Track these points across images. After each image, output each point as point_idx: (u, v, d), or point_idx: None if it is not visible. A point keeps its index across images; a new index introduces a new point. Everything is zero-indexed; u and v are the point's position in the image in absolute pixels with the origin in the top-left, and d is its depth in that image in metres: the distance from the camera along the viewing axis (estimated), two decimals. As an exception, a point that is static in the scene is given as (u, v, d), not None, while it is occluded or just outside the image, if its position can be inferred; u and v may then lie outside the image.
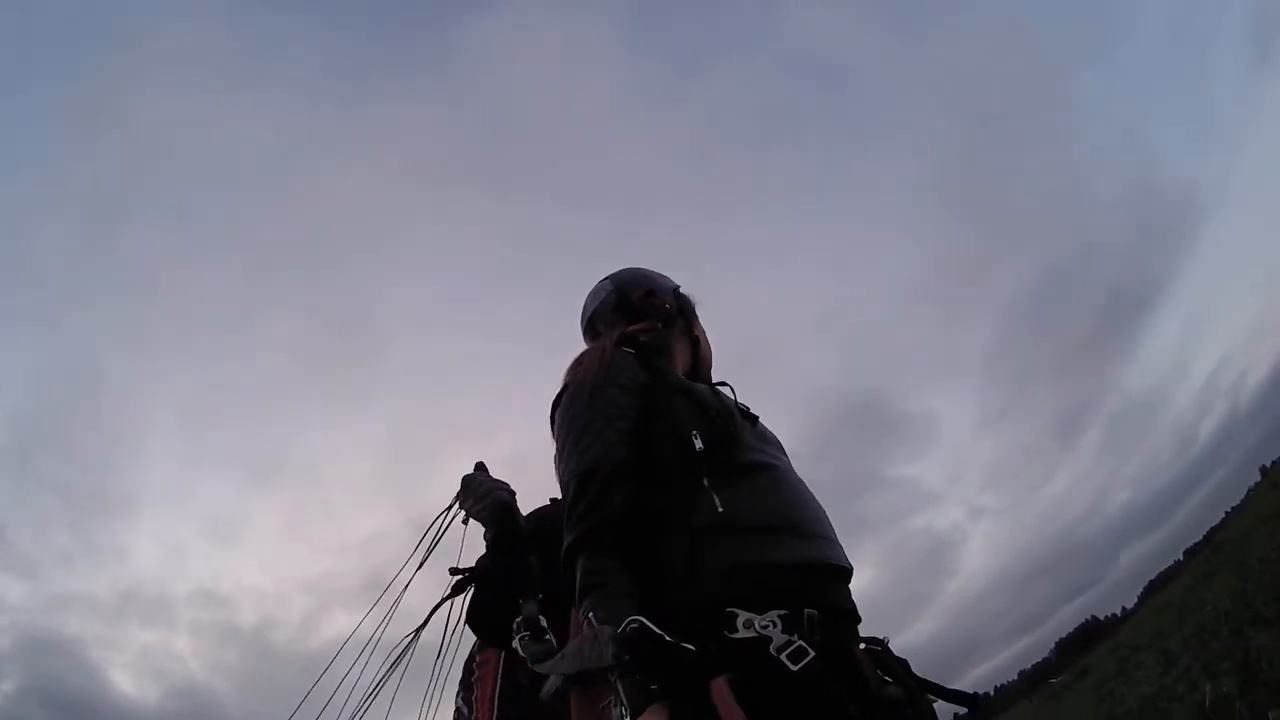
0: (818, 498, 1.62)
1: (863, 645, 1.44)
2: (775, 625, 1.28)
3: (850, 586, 1.54)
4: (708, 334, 2.08)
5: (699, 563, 1.37)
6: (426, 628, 2.13)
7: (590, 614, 1.33)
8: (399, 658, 2.07)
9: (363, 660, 2.05)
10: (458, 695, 2.35)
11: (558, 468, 1.62)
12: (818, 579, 1.42)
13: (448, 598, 2.10)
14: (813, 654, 1.23)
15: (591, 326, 2.06)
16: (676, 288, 2.08)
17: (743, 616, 1.29)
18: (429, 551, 2.11)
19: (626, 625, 1.25)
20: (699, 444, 1.49)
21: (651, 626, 1.24)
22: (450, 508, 2.13)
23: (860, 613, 1.50)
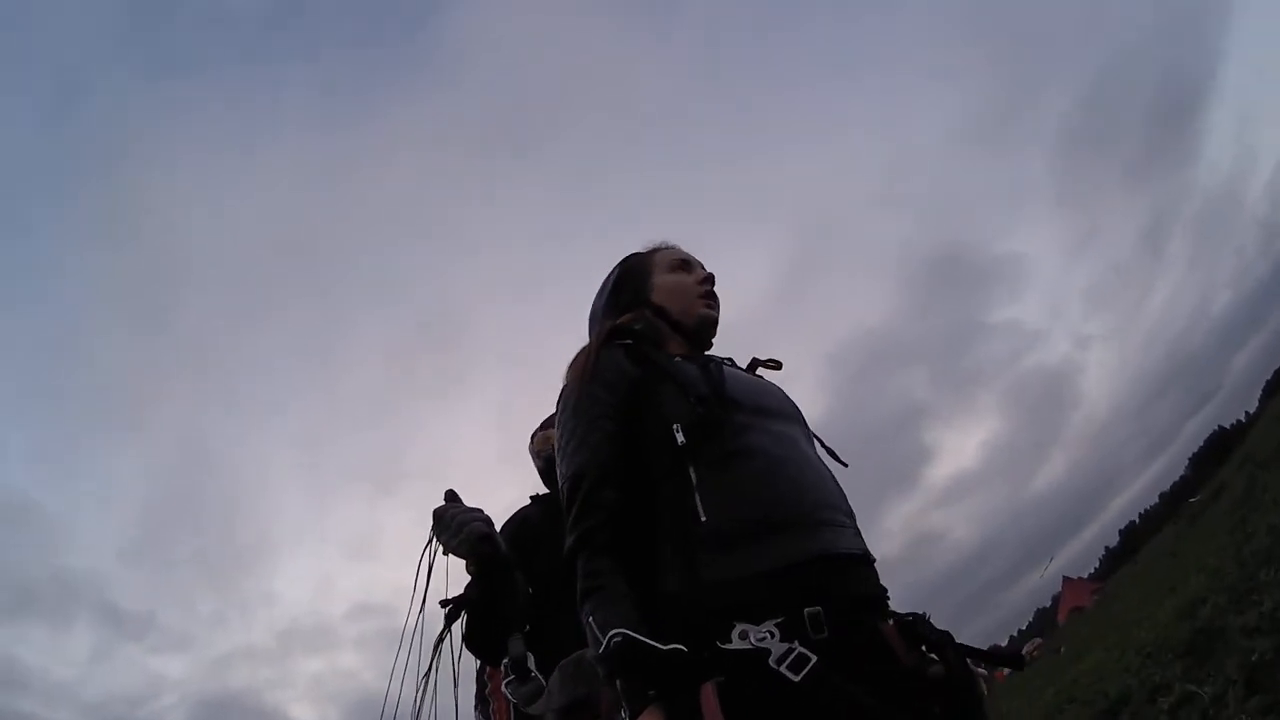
0: (848, 466, 1.60)
1: (892, 622, 1.37)
2: (773, 635, 1.24)
3: (874, 568, 1.48)
4: (689, 263, 1.89)
5: (691, 577, 1.34)
6: (439, 652, 2.00)
7: (589, 618, 1.32)
8: (420, 700, 1.94)
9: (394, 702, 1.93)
10: (476, 710, 2.36)
11: (557, 472, 1.58)
12: (820, 573, 1.34)
13: (443, 631, 2.01)
14: (815, 659, 1.19)
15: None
16: (617, 277, 1.91)
17: (738, 628, 1.26)
18: (426, 589, 1.98)
19: (610, 640, 1.26)
20: (681, 437, 1.44)
21: (636, 636, 1.25)
22: (429, 543, 2.03)
23: (889, 594, 1.46)
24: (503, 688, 1.76)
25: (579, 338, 1.87)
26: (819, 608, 1.28)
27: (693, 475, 1.42)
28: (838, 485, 1.55)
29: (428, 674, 1.95)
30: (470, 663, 2.17)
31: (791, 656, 1.20)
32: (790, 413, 1.65)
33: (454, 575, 2.02)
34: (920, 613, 1.41)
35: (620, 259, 1.93)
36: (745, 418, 1.52)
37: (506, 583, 1.96)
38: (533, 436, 2.67)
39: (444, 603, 2.01)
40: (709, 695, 1.17)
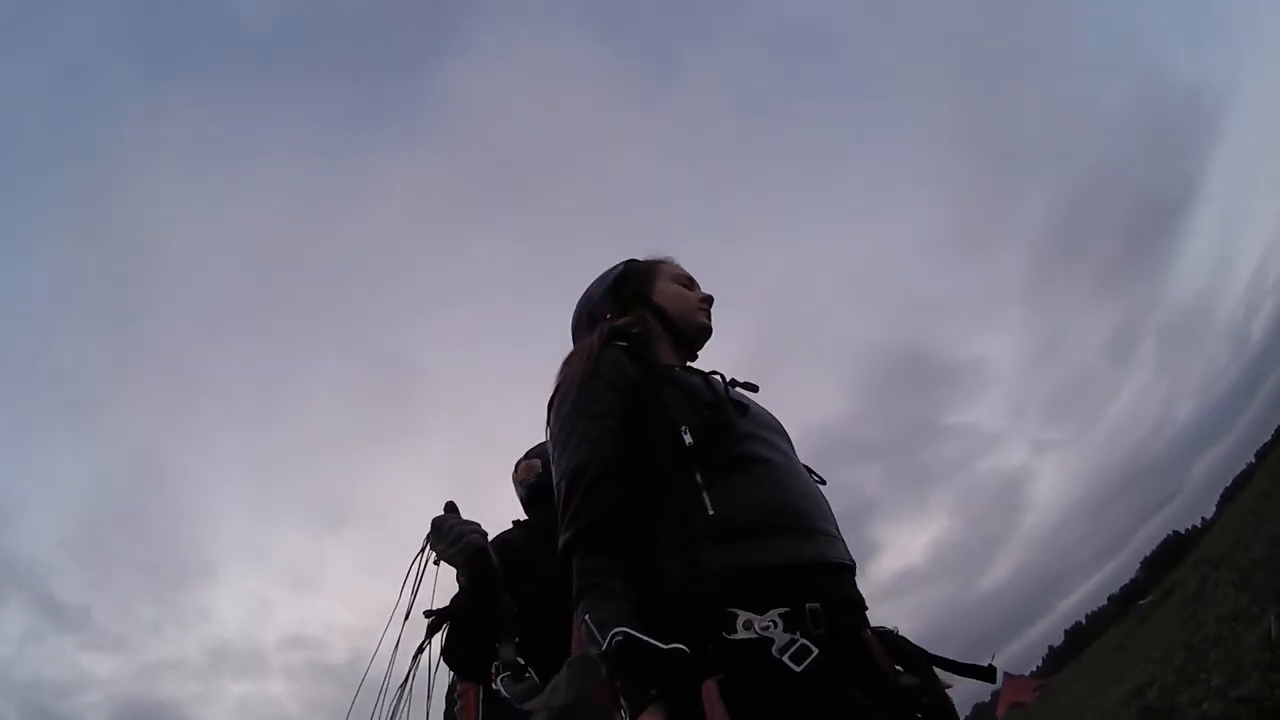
0: (825, 484, 1.60)
1: (871, 632, 1.39)
2: (777, 624, 1.24)
3: (856, 580, 1.50)
4: (698, 282, 1.95)
5: (694, 565, 1.33)
6: (416, 663, 2.05)
7: (586, 616, 1.31)
8: (395, 707, 1.98)
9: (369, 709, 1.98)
10: None
11: (552, 470, 1.57)
12: (818, 576, 1.37)
13: (424, 642, 2.03)
14: (816, 651, 1.20)
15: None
16: (621, 272, 1.92)
17: (742, 617, 1.25)
18: (413, 599, 2.01)
19: (611, 639, 1.23)
20: (688, 439, 1.44)
21: (636, 635, 1.23)
22: (422, 551, 2.05)
23: (867, 604, 1.46)
24: (496, 684, 1.76)
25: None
26: (819, 604, 1.29)
27: (699, 476, 1.42)
28: (826, 501, 1.56)
29: (403, 685, 1.97)
30: (443, 681, 2.14)
31: (794, 647, 1.20)
32: (782, 430, 1.67)
33: (440, 588, 2.05)
34: (893, 627, 1.43)
35: (608, 271, 1.96)
36: (748, 426, 1.54)
37: (497, 599, 1.96)
38: (516, 465, 2.70)
39: (428, 614, 2.02)
40: (712, 693, 1.16)
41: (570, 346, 1.93)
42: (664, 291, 1.86)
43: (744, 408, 1.58)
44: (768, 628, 1.24)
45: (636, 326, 1.78)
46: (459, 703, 2.29)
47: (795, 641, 1.21)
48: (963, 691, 1.46)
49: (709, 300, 1.89)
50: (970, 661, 1.42)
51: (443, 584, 2.05)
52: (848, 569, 1.46)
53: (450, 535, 1.99)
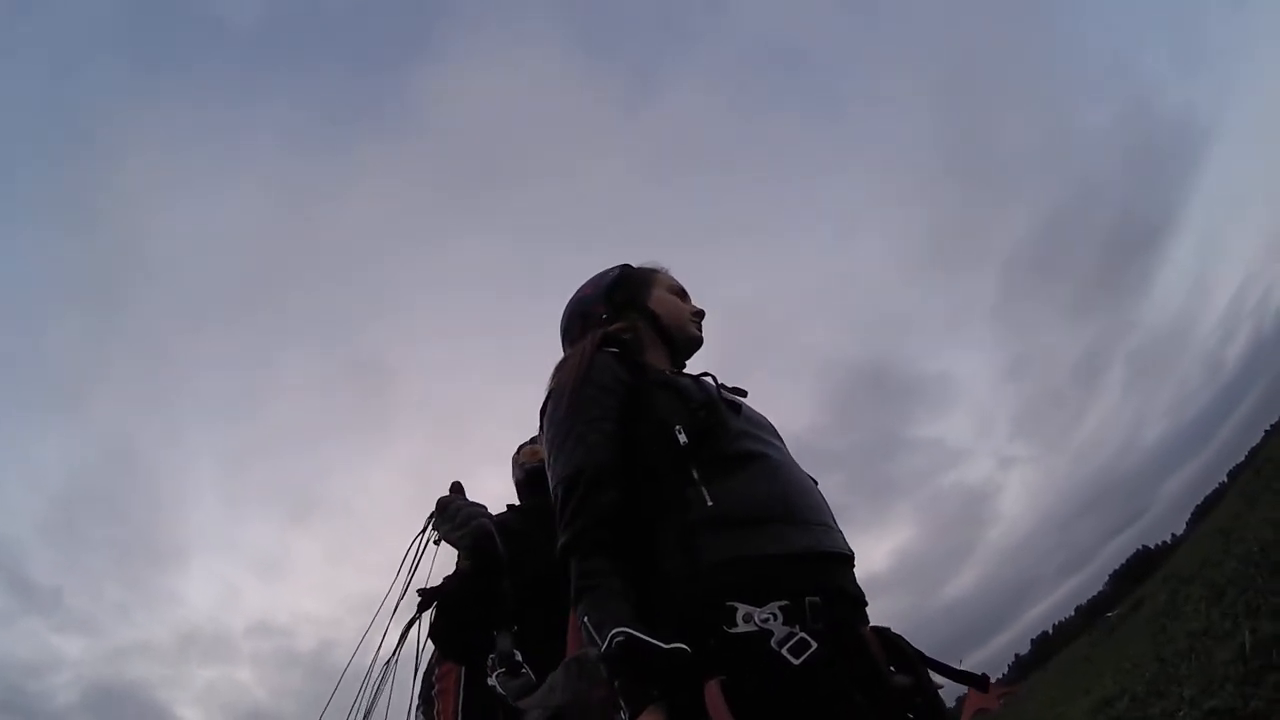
0: (818, 484, 1.60)
1: (869, 628, 1.40)
2: (776, 617, 1.25)
3: (855, 572, 1.51)
4: (689, 294, 1.99)
5: (694, 558, 1.34)
6: (404, 639, 2.07)
7: (585, 618, 1.31)
8: (380, 683, 2.01)
9: (357, 686, 2.02)
10: (418, 710, 2.30)
11: (548, 474, 1.58)
12: (817, 566, 1.39)
13: (413, 619, 2.04)
14: (815, 645, 1.21)
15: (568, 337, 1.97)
16: (617, 276, 1.95)
17: (742, 610, 1.26)
18: (410, 577, 2.03)
19: (611, 640, 1.23)
20: (683, 438, 1.46)
21: (637, 635, 1.22)
22: (424, 530, 2.06)
23: (867, 598, 1.47)
24: (492, 679, 1.75)
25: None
26: (818, 599, 1.30)
27: (695, 473, 1.43)
28: (822, 496, 1.57)
29: (390, 658, 2.00)
30: (425, 660, 2.15)
31: (793, 641, 1.21)
32: (775, 429, 1.69)
33: (437, 568, 2.07)
34: (887, 626, 1.42)
35: (604, 273, 1.98)
36: (742, 425, 1.57)
37: (498, 584, 1.95)
38: (520, 448, 2.70)
39: (422, 591, 2.02)
40: (714, 692, 1.15)
41: (559, 343, 1.99)
42: (660, 300, 1.90)
43: (736, 407, 1.62)
44: (767, 620, 1.25)
45: (628, 332, 1.81)
46: (437, 686, 2.27)
47: (794, 635, 1.22)
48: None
49: (701, 314, 1.94)
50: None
51: (439, 566, 2.07)
52: (847, 560, 1.47)
53: (459, 517, 1.99)
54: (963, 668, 1.45)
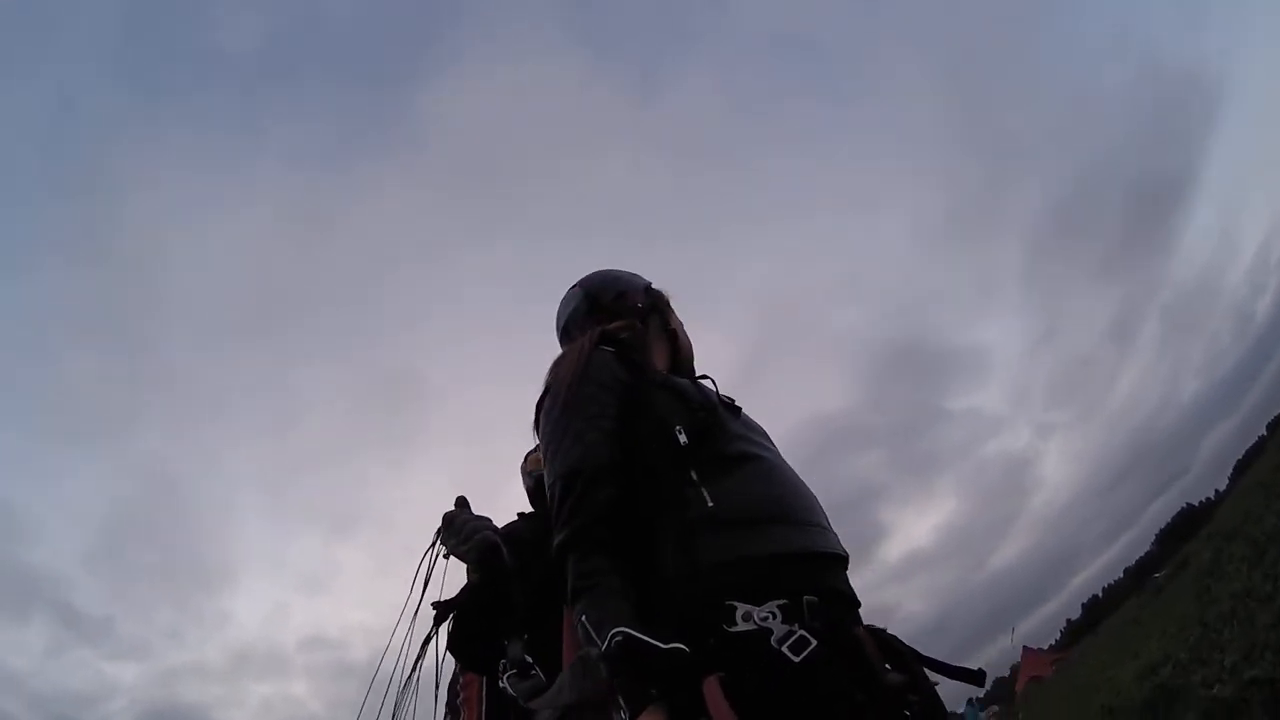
0: (812, 487, 1.62)
1: (863, 628, 1.40)
2: (775, 616, 1.26)
3: (848, 573, 1.53)
4: (685, 328, 2.07)
5: (693, 557, 1.34)
6: (424, 653, 2.09)
7: (582, 616, 1.31)
8: (400, 697, 2.04)
9: (378, 702, 2.04)
10: (446, 718, 2.32)
11: (545, 471, 1.59)
12: (814, 567, 1.41)
13: (431, 632, 2.06)
14: (815, 643, 1.21)
15: (567, 334, 2.04)
16: (648, 285, 2.06)
17: (741, 609, 1.26)
18: (423, 592, 2.06)
19: (611, 639, 1.22)
20: (683, 438, 1.47)
21: (636, 634, 1.22)
22: (433, 545, 2.08)
23: (860, 599, 1.49)
24: (503, 682, 1.78)
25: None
26: (816, 598, 1.32)
27: (694, 474, 1.44)
28: (816, 498, 1.59)
29: (412, 672, 2.01)
30: (447, 671, 2.16)
31: (793, 638, 1.22)
32: (766, 434, 1.72)
33: (450, 580, 2.10)
34: (883, 626, 1.44)
35: (636, 275, 2.09)
36: (739, 428, 1.59)
37: (507, 594, 1.98)
38: (526, 456, 2.72)
39: (436, 604, 2.04)
40: (714, 691, 1.16)
41: (557, 323, 2.08)
42: (679, 324, 2.04)
43: (735, 410, 1.66)
44: (766, 619, 1.26)
45: (625, 332, 1.82)
46: (461, 695, 2.30)
47: (794, 633, 1.23)
48: (982, 664, 1.49)
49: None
50: (987, 637, 1.49)
51: (451, 578, 2.11)
52: (841, 560, 1.50)
53: (463, 531, 2.01)
54: (960, 666, 1.46)
